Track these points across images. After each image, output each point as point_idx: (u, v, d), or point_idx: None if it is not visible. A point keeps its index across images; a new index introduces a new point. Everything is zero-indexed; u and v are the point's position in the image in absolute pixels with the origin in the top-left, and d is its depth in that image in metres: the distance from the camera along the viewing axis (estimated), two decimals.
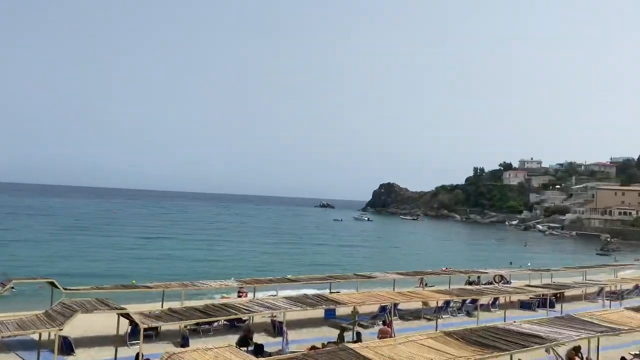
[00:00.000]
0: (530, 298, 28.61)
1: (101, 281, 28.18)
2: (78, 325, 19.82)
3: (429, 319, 23.90)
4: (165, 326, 18.27)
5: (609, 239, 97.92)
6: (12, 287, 19.24)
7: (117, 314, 15.17)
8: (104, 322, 20.15)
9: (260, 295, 24.97)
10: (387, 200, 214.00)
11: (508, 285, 33.02)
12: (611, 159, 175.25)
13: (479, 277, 35.70)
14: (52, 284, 19.83)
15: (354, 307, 21.42)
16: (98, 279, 31.63)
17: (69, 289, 20.39)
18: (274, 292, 25.66)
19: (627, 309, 17.97)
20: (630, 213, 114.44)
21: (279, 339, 18.22)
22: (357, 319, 22.08)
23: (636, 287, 34.35)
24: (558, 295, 29.42)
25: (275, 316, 20.62)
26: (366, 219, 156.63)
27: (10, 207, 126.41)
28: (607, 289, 32.10)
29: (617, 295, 31.68)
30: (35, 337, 13.84)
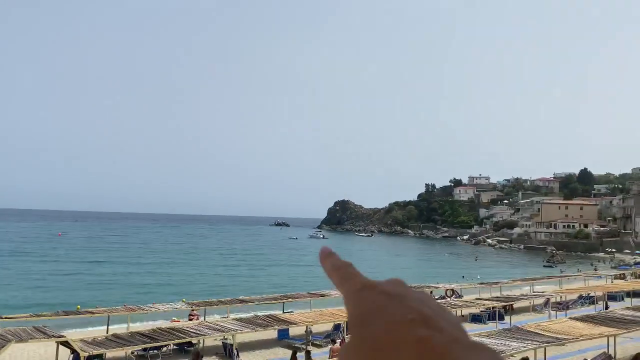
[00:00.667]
0: (481, 311, 29.16)
1: (45, 309, 26.77)
2: (17, 356, 18.67)
3: None
4: (109, 353, 17.46)
5: (554, 252, 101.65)
6: None
7: (55, 342, 14.34)
8: (44, 352, 19.08)
9: (211, 317, 24.32)
10: (342, 217, 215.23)
11: (459, 299, 33.58)
12: (554, 174, 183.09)
13: (431, 291, 36.11)
14: None
15: (307, 327, 21.18)
16: (41, 307, 29.99)
17: (5, 317, 19.21)
18: (224, 314, 25.04)
19: (572, 318, 18.57)
20: (573, 226, 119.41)
21: None
22: (310, 339, 21.84)
23: (580, 297, 35.65)
24: (507, 307, 30.11)
25: (226, 339, 20.09)
26: (321, 236, 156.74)
27: None
28: (553, 299, 33.16)
29: (562, 306, 32.74)
30: None
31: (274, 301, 27.36)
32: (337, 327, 22.89)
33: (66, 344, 14.61)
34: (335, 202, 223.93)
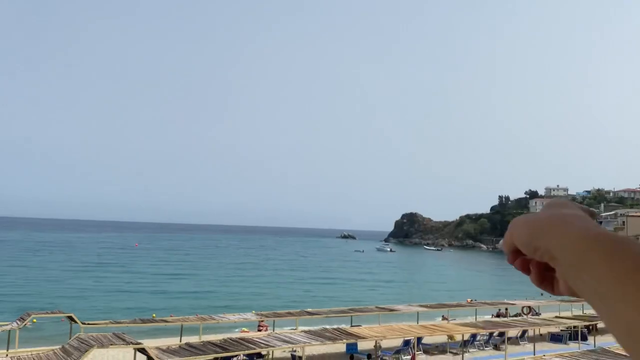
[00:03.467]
0: (561, 330, 27.46)
1: (122, 316, 28.09)
2: None
3: (455, 354, 23.05)
4: None
5: None
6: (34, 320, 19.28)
7: (133, 348, 14.93)
8: (123, 357, 19.95)
9: (280, 329, 24.50)
10: (410, 230, 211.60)
11: (537, 317, 31.84)
12: None
13: (506, 308, 34.56)
14: (70, 318, 19.76)
15: (376, 342, 20.80)
16: (119, 314, 31.53)
17: (87, 323, 20.29)
18: (293, 326, 25.13)
19: None
20: None
21: None
22: (379, 354, 21.44)
23: None
24: (590, 327, 28.19)
25: (294, 350, 20.12)
26: (389, 249, 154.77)
27: (29, 242, 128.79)
28: None
29: None
30: None
31: (342, 314, 27.17)
32: (406, 343, 22.31)
33: (143, 350, 15.16)
34: (403, 215, 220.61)
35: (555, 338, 27.22)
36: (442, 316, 32.91)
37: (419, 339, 22.79)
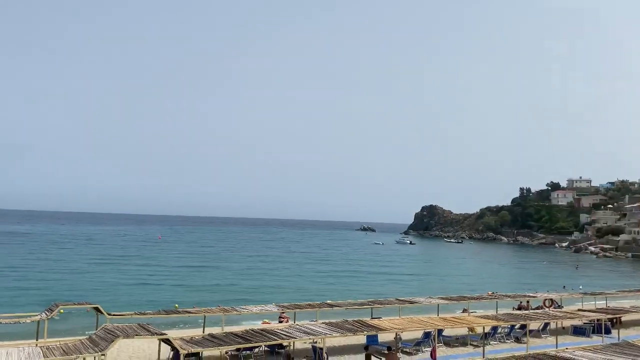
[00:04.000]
0: (584, 323, 27.13)
1: (146, 307, 28.60)
2: (124, 350, 20.15)
3: (476, 346, 22.97)
4: (206, 352, 18.29)
5: None
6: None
7: (157, 339, 15.24)
8: (148, 347, 20.39)
9: (301, 321, 24.70)
10: (430, 222, 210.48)
11: (559, 309, 31.51)
12: None
13: (528, 301, 34.28)
14: (97, 309, 20.22)
15: (396, 333, 20.86)
16: (143, 306, 32.13)
17: (113, 314, 20.73)
18: (313, 318, 25.31)
19: None
20: None
21: None
22: (399, 346, 21.50)
23: None
24: (614, 320, 27.81)
25: (316, 342, 20.30)
26: (408, 242, 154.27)
27: (52, 235, 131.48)
28: None
29: None
30: None
31: (362, 306, 27.26)
32: (427, 335, 22.32)
33: (167, 341, 15.46)
34: (423, 207, 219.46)
35: (578, 331, 26.92)
36: (463, 309, 32.81)
37: (440, 331, 22.75)
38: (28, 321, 19.18)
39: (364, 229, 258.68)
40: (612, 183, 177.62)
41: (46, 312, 19.52)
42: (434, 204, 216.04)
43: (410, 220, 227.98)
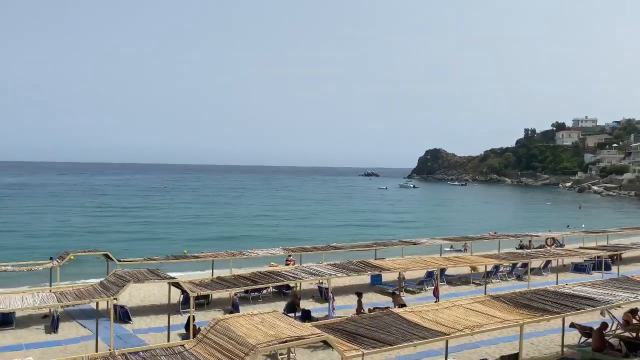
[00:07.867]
0: (585, 261, 27.65)
1: (155, 255, 29.12)
2: (134, 295, 20.76)
3: (478, 284, 23.55)
4: (216, 294, 18.85)
5: None
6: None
7: (167, 283, 15.65)
8: (158, 292, 20.98)
9: (306, 263, 25.25)
10: (434, 166, 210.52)
11: (561, 247, 32.02)
12: None
13: (530, 240, 34.79)
14: (107, 256, 20.67)
15: (399, 273, 21.35)
16: (152, 251, 32.76)
17: (123, 261, 21.23)
18: (319, 260, 25.88)
19: None
20: None
21: (326, 304, 18.40)
22: (403, 285, 22.04)
23: None
24: (615, 257, 28.28)
25: (321, 283, 20.83)
26: (411, 186, 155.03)
27: (54, 186, 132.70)
28: None
29: None
30: (94, 306, 14.52)
31: (366, 248, 27.78)
32: (429, 274, 22.86)
33: (177, 285, 15.88)
34: (427, 151, 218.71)
35: (578, 268, 27.48)
36: (465, 248, 33.34)
37: (442, 271, 23.30)
38: (41, 269, 19.69)
39: (368, 174, 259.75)
40: (618, 122, 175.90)
41: (58, 259, 19.99)
42: (437, 148, 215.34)
43: (413, 164, 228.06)
